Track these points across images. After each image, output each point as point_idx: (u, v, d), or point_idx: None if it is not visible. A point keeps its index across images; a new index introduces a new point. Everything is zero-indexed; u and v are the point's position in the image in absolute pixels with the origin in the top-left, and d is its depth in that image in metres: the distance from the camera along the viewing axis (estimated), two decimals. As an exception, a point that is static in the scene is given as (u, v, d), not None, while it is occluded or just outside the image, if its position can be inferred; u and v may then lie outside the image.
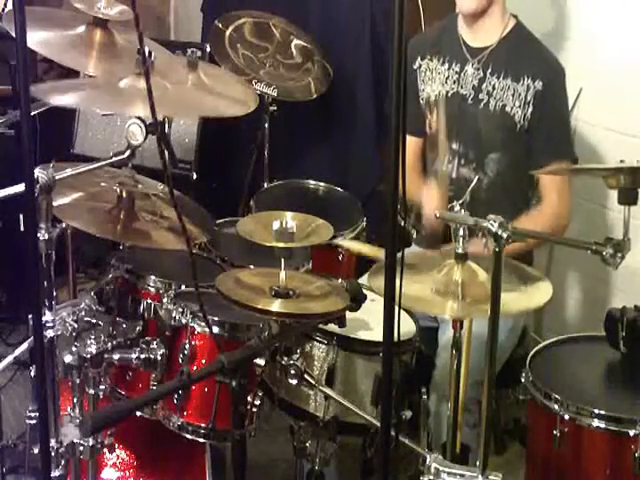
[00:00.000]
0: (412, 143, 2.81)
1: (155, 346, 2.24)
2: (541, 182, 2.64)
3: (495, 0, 2.62)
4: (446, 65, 2.73)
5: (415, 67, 2.80)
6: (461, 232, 1.96)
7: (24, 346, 2.06)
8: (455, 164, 2.71)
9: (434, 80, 2.75)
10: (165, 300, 2.32)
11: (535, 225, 2.49)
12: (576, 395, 2.17)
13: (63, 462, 1.99)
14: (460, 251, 1.99)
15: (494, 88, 2.63)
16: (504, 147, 2.64)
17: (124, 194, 2.16)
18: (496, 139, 2.64)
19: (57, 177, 1.81)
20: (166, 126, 2.04)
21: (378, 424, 1.72)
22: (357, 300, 2.04)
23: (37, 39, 2.08)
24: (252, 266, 2.50)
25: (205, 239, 2.43)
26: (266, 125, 3.43)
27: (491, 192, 2.68)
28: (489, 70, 2.64)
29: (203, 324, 2.22)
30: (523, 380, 2.26)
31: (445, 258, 2.05)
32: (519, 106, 2.59)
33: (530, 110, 2.58)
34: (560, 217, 2.63)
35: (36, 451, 1.79)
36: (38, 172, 1.76)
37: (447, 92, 2.72)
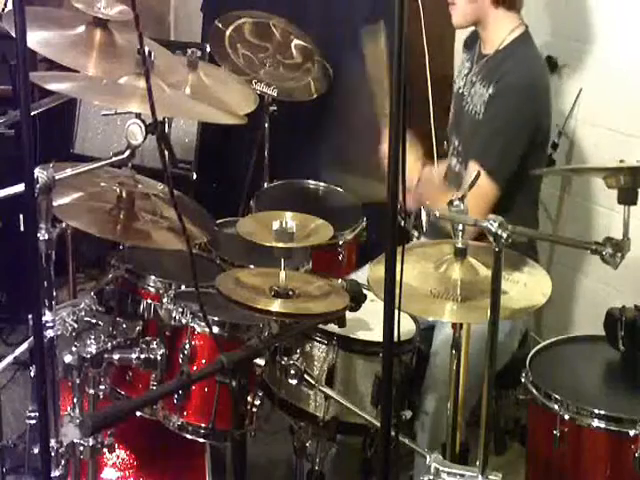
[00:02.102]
0: None
1: (155, 346, 2.23)
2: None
3: (488, 13, 2.60)
4: (468, 64, 2.79)
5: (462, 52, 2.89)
6: (460, 227, 1.96)
7: (24, 346, 2.06)
8: (455, 160, 2.75)
9: (460, 74, 2.82)
10: (165, 300, 2.33)
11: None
12: (576, 395, 2.17)
13: (63, 462, 1.99)
14: (460, 246, 1.98)
15: (475, 93, 2.65)
16: None
17: (124, 194, 2.16)
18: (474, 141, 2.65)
19: (57, 177, 1.81)
20: (166, 126, 2.04)
21: (378, 424, 1.72)
22: (357, 300, 2.04)
23: (37, 39, 2.08)
24: (252, 266, 2.50)
25: (205, 239, 2.43)
26: (266, 125, 3.43)
27: None
28: (479, 77, 2.67)
29: (203, 324, 2.22)
30: (523, 380, 2.26)
31: (444, 252, 2.03)
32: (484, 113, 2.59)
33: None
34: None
35: (36, 451, 1.79)
36: (38, 172, 1.76)
37: (459, 88, 2.78)
